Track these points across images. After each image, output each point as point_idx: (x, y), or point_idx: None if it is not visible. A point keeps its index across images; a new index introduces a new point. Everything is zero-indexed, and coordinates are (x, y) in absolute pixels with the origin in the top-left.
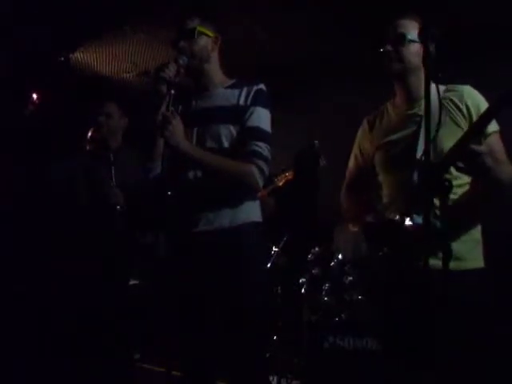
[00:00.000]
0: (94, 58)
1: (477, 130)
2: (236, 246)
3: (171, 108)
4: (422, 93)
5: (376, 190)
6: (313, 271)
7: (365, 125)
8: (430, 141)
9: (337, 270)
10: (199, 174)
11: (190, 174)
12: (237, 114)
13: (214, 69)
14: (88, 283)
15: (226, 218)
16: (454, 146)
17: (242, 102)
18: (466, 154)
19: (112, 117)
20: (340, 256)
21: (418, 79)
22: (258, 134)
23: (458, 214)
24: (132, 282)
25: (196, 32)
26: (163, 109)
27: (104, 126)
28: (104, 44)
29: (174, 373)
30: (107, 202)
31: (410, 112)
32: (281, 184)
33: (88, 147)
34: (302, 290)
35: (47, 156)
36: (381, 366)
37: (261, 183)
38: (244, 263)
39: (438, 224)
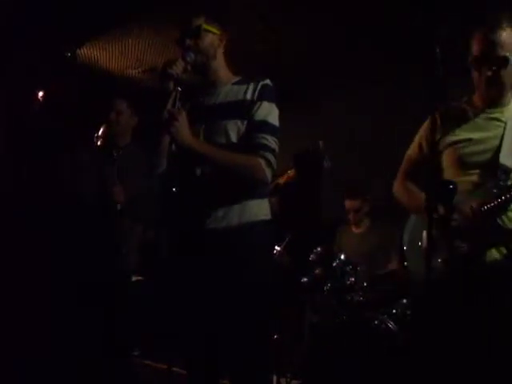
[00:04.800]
0: (101, 54)
1: None
2: (244, 244)
3: (177, 105)
4: (504, 99)
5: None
6: (315, 271)
7: (437, 116)
8: (436, 144)
9: (339, 271)
10: (207, 171)
11: (198, 171)
12: (244, 109)
13: (221, 65)
14: (88, 280)
15: (234, 216)
16: None
17: (248, 97)
18: None
19: (122, 114)
20: (342, 256)
21: (503, 87)
22: (266, 127)
23: None
24: (135, 279)
25: (202, 30)
26: (169, 105)
27: (114, 123)
28: (110, 40)
29: (174, 369)
30: (109, 200)
31: (491, 115)
32: (282, 181)
33: (98, 144)
34: (304, 290)
35: (54, 153)
36: (382, 366)
37: (269, 176)
38: (252, 261)
39: None
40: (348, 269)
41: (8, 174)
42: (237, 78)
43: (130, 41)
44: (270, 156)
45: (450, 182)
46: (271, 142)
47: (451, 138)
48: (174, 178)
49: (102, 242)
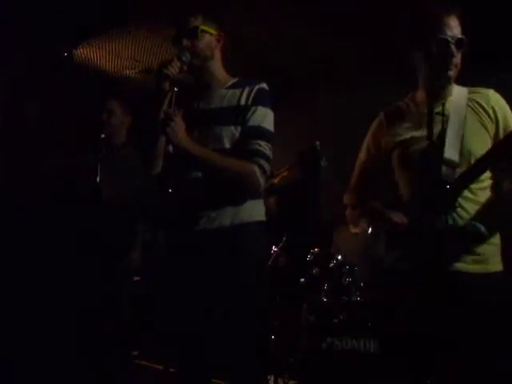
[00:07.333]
0: (97, 55)
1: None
2: (237, 245)
3: (173, 105)
4: (445, 92)
5: (390, 188)
6: (312, 272)
7: (382, 118)
8: (432, 141)
9: (336, 271)
10: (201, 172)
11: (192, 172)
12: (238, 115)
13: (217, 66)
14: (85, 280)
15: (227, 217)
16: (488, 152)
17: (243, 101)
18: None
19: (114, 114)
20: (339, 257)
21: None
22: (260, 132)
23: (486, 216)
24: (134, 279)
25: (199, 31)
26: (165, 106)
27: (106, 124)
28: (107, 40)
29: (171, 370)
30: (104, 200)
31: (434, 110)
32: (276, 181)
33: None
34: (301, 291)
35: (45, 153)
36: (379, 366)
37: (262, 182)
38: (244, 262)
39: (482, 228)
40: (345, 269)
41: (2, 174)
42: (233, 80)
43: (126, 41)
44: (264, 163)
45: (449, 183)
46: (265, 148)
47: (396, 138)
48: (170, 179)
49: (100, 242)
